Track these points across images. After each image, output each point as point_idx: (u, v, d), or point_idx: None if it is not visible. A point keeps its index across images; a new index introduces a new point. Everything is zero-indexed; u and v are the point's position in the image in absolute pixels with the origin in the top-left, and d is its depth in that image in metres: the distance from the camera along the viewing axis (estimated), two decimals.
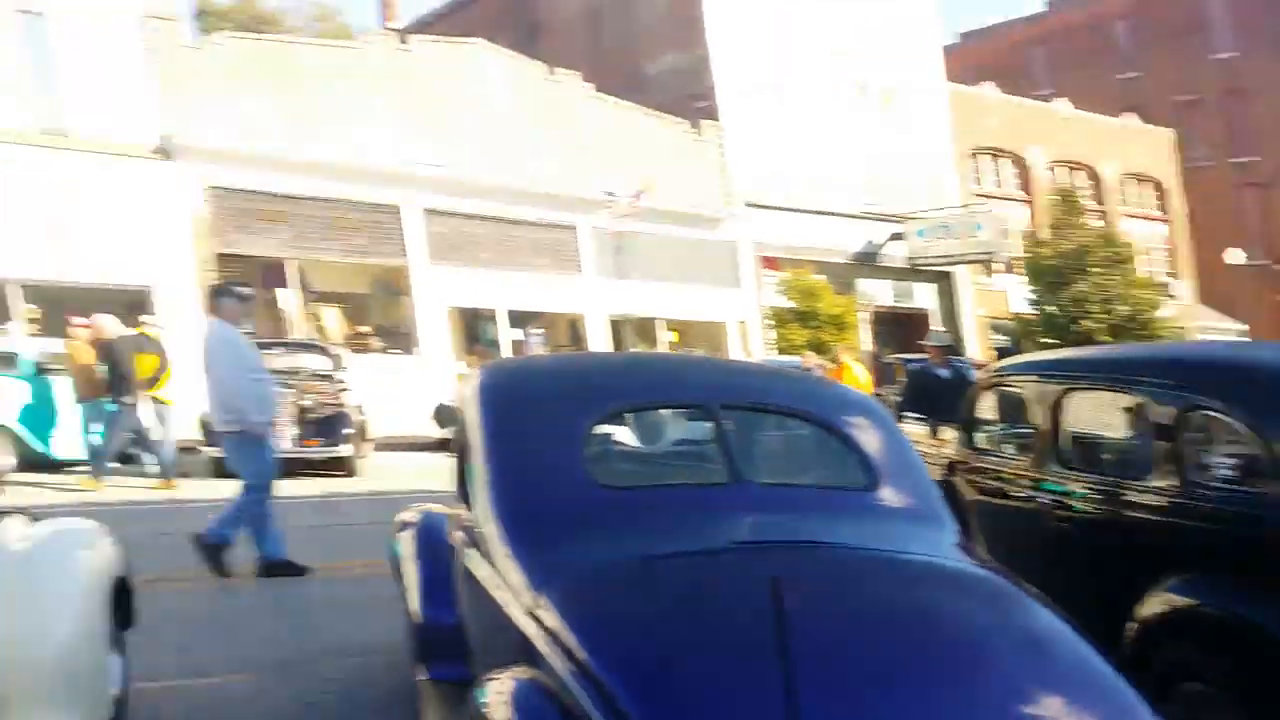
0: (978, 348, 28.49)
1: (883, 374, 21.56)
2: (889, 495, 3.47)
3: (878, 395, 16.20)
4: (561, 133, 22.39)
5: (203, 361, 7.28)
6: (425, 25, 30.86)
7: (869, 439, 3.61)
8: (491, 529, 3.10)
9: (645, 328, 23.78)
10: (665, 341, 23.98)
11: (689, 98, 25.42)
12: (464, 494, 3.59)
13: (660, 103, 24.73)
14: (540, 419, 3.39)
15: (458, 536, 3.66)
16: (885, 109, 28.23)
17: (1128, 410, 4.60)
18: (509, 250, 21.47)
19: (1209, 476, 4.17)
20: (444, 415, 14.79)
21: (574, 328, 22.98)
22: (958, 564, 3.12)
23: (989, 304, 30.61)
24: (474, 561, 3.30)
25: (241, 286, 8.05)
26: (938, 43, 31.15)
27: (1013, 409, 5.39)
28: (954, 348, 17.27)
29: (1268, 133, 40.59)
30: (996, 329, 30.15)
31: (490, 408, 3.46)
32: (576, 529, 2.99)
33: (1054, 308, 26.25)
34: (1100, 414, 4.91)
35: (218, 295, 7.55)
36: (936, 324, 28.00)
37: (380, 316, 21.33)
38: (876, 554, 3.00)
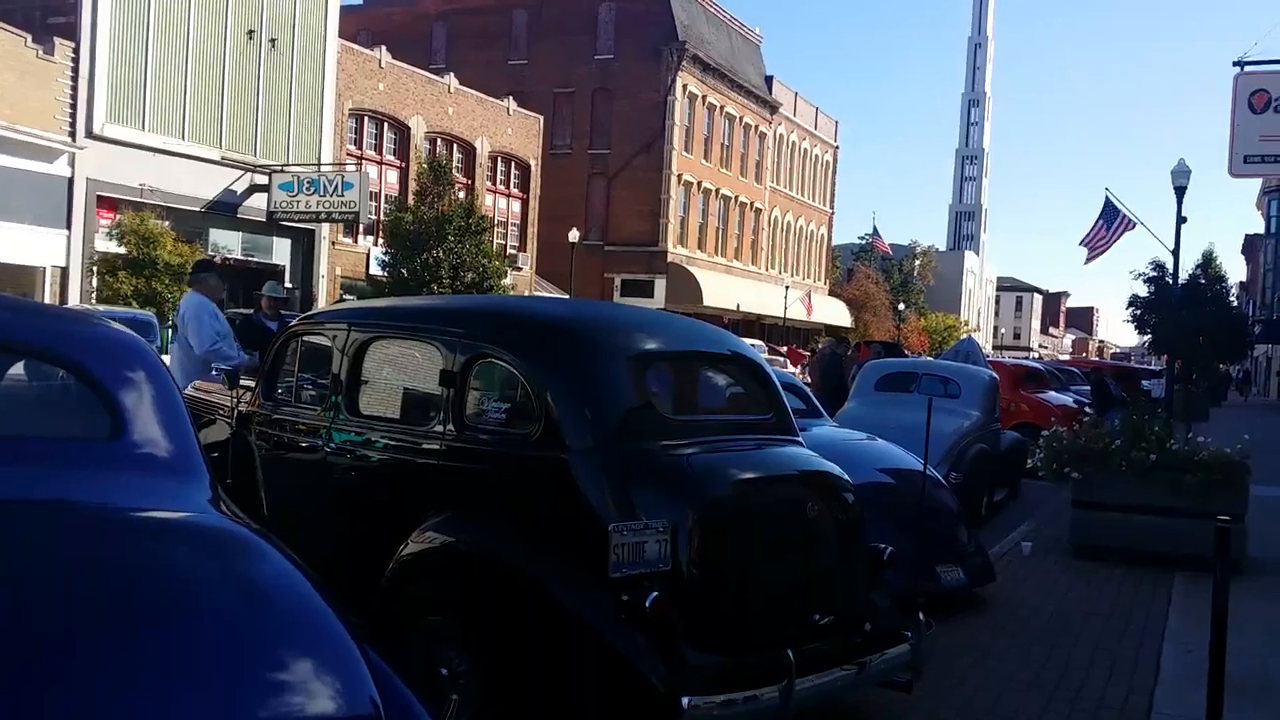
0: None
1: None
2: (136, 446, 3.07)
3: None
4: None
5: None
6: None
7: (121, 382, 3.16)
8: None
9: None
10: None
11: (42, 10, 21.85)
12: None
13: (6, 11, 20.93)
14: None
15: None
16: (269, 58, 26.92)
17: (422, 358, 4.69)
18: None
19: (484, 420, 4.39)
20: None
21: None
22: (197, 517, 2.84)
23: (347, 264, 30.78)
24: None
25: None
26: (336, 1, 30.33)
27: (317, 359, 5.25)
28: (288, 301, 16.96)
29: (620, 131, 46.30)
30: (349, 289, 30.40)
31: None
32: None
33: (405, 271, 27.13)
34: (403, 362, 4.96)
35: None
36: (290, 281, 27.46)
37: None
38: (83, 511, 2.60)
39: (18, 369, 3.49)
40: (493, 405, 4.43)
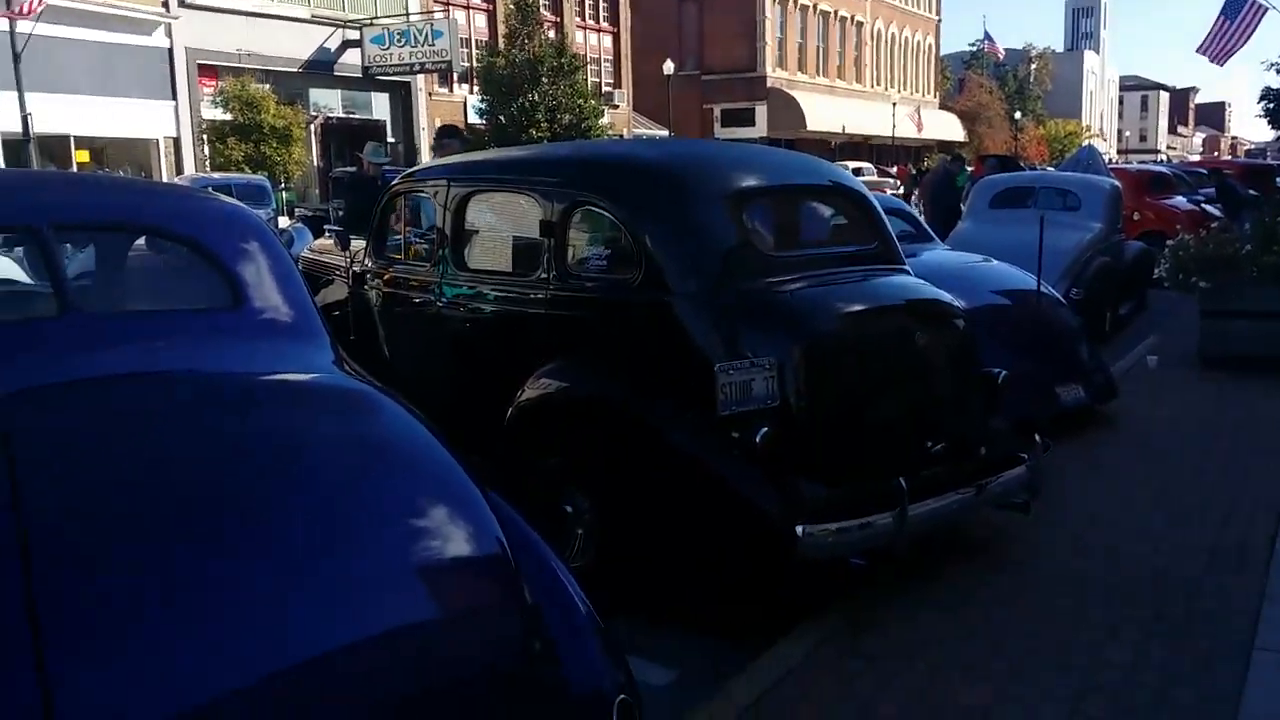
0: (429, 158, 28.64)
1: (327, 188, 20.85)
2: (258, 313, 3.20)
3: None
4: None
5: None
6: None
7: (236, 254, 3.28)
8: None
9: (53, 147, 20.61)
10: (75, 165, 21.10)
11: None
12: None
13: None
14: None
15: None
16: None
17: (522, 210, 4.71)
18: None
19: (587, 268, 4.42)
20: None
21: None
22: (321, 379, 2.97)
23: (445, 114, 30.68)
24: None
25: None
26: None
27: (421, 216, 5.32)
28: (391, 159, 17.09)
29: None
30: (448, 134, 30.36)
31: None
32: None
33: (503, 117, 26.93)
34: (504, 215, 4.99)
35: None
36: (392, 135, 27.59)
37: None
38: (225, 377, 2.74)
39: (140, 247, 3.64)
40: (594, 252, 4.46)
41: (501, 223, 4.96)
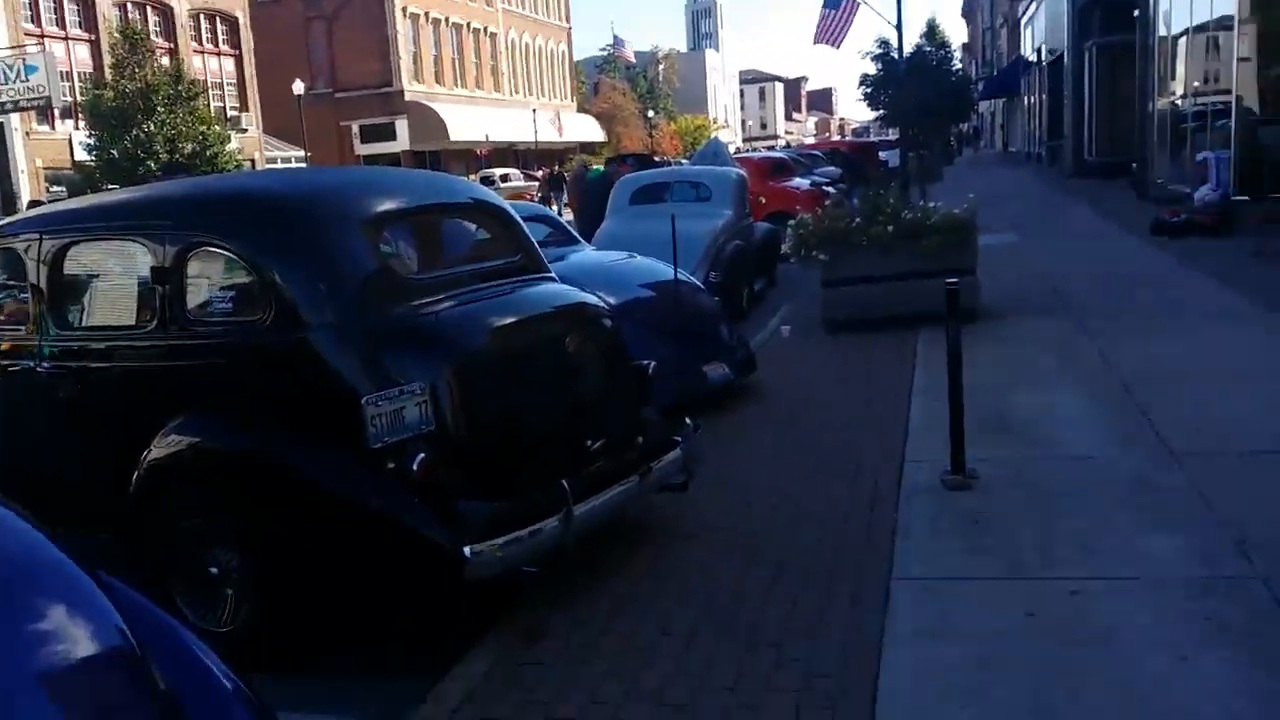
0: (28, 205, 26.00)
1: None
2: None
3: None
4: None
5: None
6: None
7: None
8: None
9: None
10: None
11: None
12: None
13: None
14: None
15: None
16: None
17: (132, 257, 4.32)
18: None
19: (210, 312, 4.14)
20: None
21: None
22: None
23: (49, 153, 27.94)
24: None
25: None
26: None
27: (14, 274, 4.76)
28: None
29: None
30: (56, 180, 27.70)
31: None
32: None
33: (115, 152, 24.90)
34: (112, 265, 4.57)
35: None
36: None
37: None
38: None
39: None
40: (216, 295, 4.17)
41: (109, 274, 4.53)
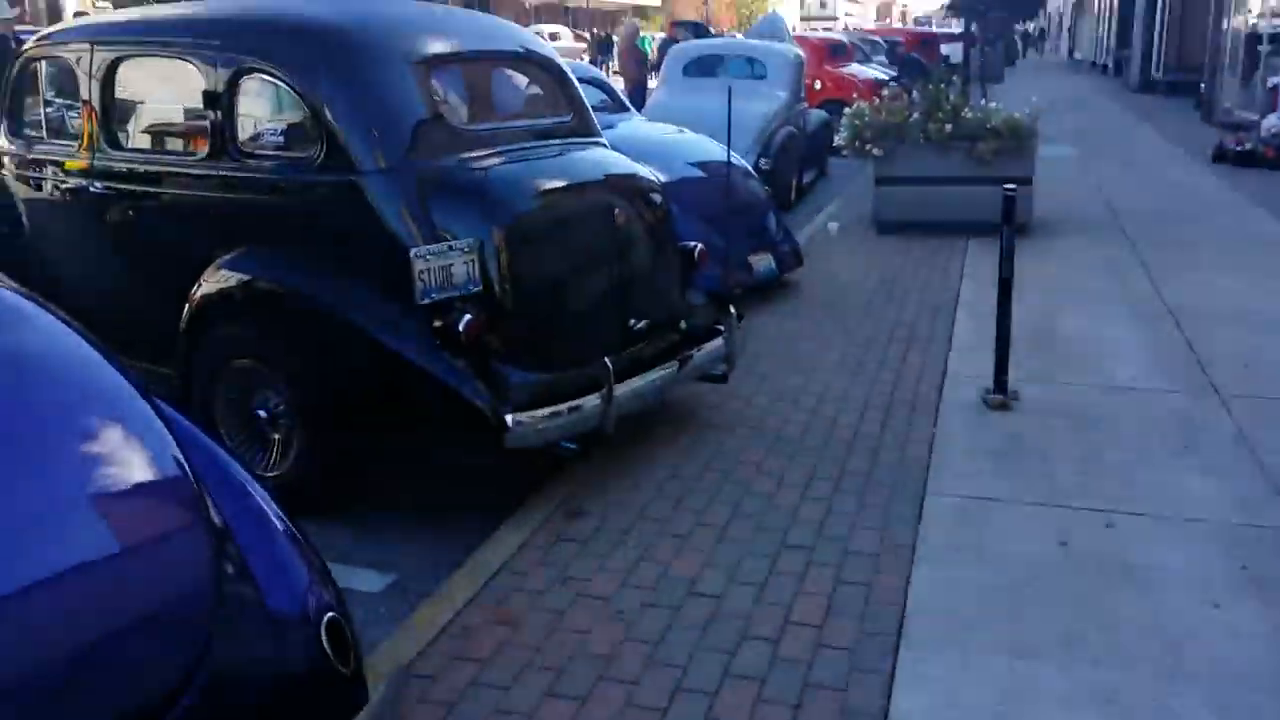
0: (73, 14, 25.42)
1: None
2: None
3: None
4: None
5: None
6: None
7: None
8: None
9: None
10: None
11: None
12: None
13: None
14: None
15: None
16: None
17: (183, 79, 4.17)
18: None
19: (261, 144, 4.01)
20: None
21: None
22: None
23: None
24: None
25: None
26: None
27: (65, 87, 4.62)
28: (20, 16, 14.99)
29: None
30: None
31: None
32: None
33: None
34: (163, 85, 4.42)
35: None
36: None
37: None
38: None
39: None
40: (268, 127, 4.04)
41: (160, 94, 4.39)
